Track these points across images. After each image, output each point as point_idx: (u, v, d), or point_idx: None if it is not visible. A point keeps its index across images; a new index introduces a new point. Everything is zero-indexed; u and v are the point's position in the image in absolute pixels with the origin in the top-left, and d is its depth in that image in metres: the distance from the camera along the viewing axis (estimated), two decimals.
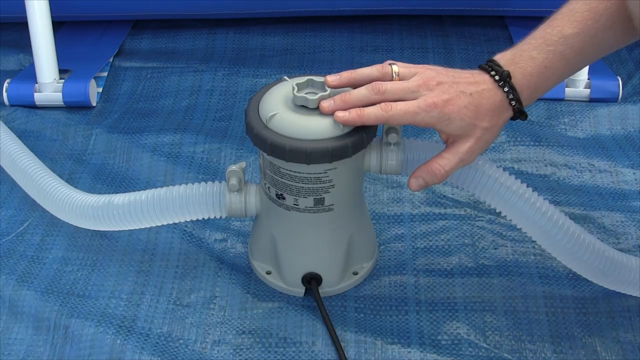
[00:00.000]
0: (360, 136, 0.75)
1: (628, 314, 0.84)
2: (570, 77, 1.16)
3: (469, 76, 0.75)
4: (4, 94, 1.17)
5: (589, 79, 1.17)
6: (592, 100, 1.16)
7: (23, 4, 1.12)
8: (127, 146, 1.08)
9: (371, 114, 0.72)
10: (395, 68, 0.75)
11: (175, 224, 0.92)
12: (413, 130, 1.07)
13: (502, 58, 0.76)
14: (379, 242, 0.93)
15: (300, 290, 0.86)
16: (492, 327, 0.83)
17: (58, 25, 1.27)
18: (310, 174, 0.76)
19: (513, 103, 0.74)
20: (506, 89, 0.74)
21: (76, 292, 0.87)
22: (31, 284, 0.88)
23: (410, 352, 0.80)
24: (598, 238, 0.82)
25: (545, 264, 0.90)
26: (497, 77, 0.74)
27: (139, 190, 0.85)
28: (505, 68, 0.74)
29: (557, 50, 0.74)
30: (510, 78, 0.74)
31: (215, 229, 0.95)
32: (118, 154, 1.08)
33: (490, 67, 0.75)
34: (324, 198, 0.79)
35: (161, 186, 0.85)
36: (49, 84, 1.16)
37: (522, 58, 0.75)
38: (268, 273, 0.88)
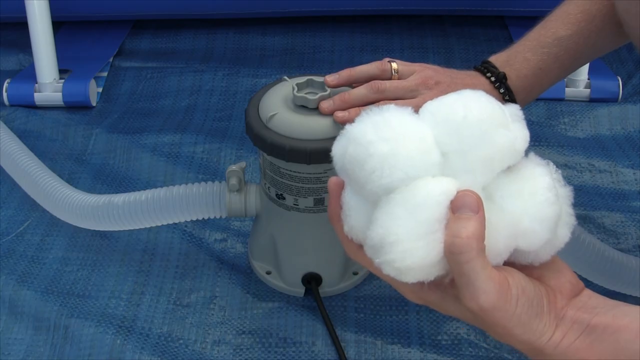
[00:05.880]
0: None
1: None
2: (570, 77, 1.16)
3: (465, 77, 0.75)
4: (4, 94, 1.17)
5: (589, 79, 1.17)
6: (592, 100, 1.16)
7: (23, 4, 1.12)
8: (127, 146, 1.08)
9: None
10: (394, 65, 0.75)
11: (175, 224, 0.92)
12: None
13: (497, 60, 0.76)
14: None
15: (300, 290, 0.86)
16: None
17: (58, 25, 1.27)
18: (310, 174, 0.76)
19: None
20: (502, 90, 0.74)
21: (76, 292, 0.87)
22: (31, 284, 0.88)
23: (410, 352, 0.80)
24: (598, 238, 0.82)
25: None
26: (493, 79, 0.75)
27: (139, 190, 0.85)
28: (501, 69, 0.75)
29: (551, 52, 0.75)
30: (505, 79, 0.74)
31: (215, 229, 0.95)
32: (118, 154, 1.08)
33: (485, 68, 0.76)
34: (324, 198, 0.79)
35: (161, 186, 0.85)
36: (49, 84, 1.16)
37: (516, 60, 0.75)
38: (268, 273, 0.88)
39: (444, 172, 0.48)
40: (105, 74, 1.25)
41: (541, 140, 1.08)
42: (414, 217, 0.47)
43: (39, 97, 1.17)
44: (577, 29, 0.74)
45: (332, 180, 0.53)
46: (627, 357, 0.47)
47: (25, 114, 1.15)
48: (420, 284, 0.49)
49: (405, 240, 0.46)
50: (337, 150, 0.51)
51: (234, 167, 0.81)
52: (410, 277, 0.48)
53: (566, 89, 1.16)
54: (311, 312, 0.84)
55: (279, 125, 0.75)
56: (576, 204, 0.86)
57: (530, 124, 1.14)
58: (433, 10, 1.33)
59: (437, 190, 0.47)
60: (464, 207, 0.46)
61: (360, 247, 0.51)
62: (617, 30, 0.74)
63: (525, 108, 0.75)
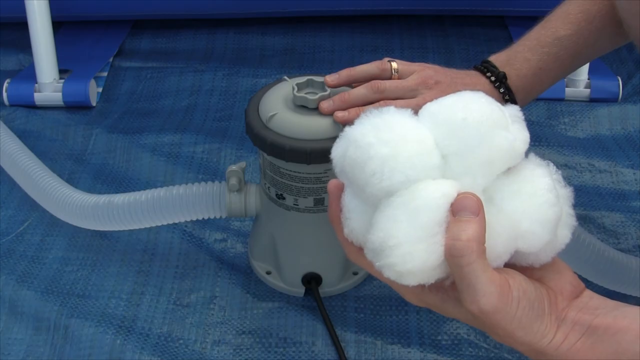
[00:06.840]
0: None
1: None
2: (570, 77, 1.16)
3: (465, 77, 0.75)
4: (4, 94, 1.17)
5: (589, 79, 1.17)
6: (592, 100, 1.16)
7: (23, 4, 1.12)
8: (127, 146, 1.08)
9: None
10: (394, 65, 0.75)
11: (175, 224, 0.92)
12: None
13: (497, 59, 0.76)
14: None
15: (300, 290, 0.86)
16: None
17: (58, 25, 1.27)
18: (310, 174, 0.76)
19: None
20: (502, 90, 0.74)
21: (76, 292, 0.87)
22: (31, 284, 0.88)
23: (410, 352, 0.80)
24: (598, 238, 0.82)
25: None
26: (493, 78, 0.75)
27: (139, 190, 0.85)
28: (501, 69, 0.75)
29: (551, 51, 0.75)
30: (506, 79, 0.74)
31: (215, 229, 0.95)
32: (118, 154, 1.08)
33: (485, 68, 0.76)
34: (323, 198, 0.79)
35: (161, 186, 0.85)
36: (49, 84, 1.16)
37: (516, 59, 0.75)
38: (268, 273, 0.88)
39: (444, 174, 0.48)
40: (105, 74, 1.25)
41: (541, 140, 1.08)
42: (414, 220, 0.46)
43: (39, 97, 1.17)
44: (577, 29, 0.74)
45: (332, 183, 0.53)
46: (629, 358, 0.47)
47: (25, 114, 1.15)
48: (421, 287, 0.49)
49: (405, 243, 0.46)
50: (336, 152, 0.51)
51: (234, 167, 0.81)
52: (411, 280, 0.48)
53: (566, 89, 1.16)
54: (311, 312, 0.84)
55: (279, 125, 0.75)
56: (576, 204, 0.87)
57: (530, 124, 1.13)
58: (433, 10, 1.33)
59: (437, 193, 0.47)
60: (464, 209, 0.46)
61: (361, 249, 0.51)
62: (617, 30, 0.74)
63: (525, 108, 0.75)
